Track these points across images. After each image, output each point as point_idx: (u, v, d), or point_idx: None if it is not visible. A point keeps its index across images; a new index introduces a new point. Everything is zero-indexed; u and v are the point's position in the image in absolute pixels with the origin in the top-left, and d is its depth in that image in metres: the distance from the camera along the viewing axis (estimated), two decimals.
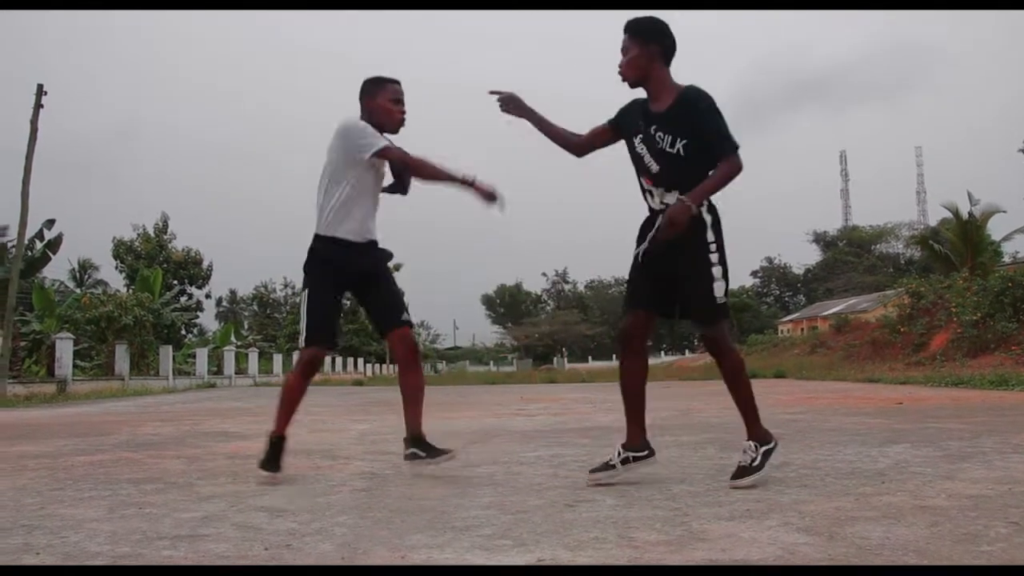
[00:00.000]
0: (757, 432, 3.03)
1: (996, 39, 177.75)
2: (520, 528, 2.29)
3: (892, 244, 76.51)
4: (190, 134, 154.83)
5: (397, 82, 3.45)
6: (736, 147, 2.96)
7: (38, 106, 15.01)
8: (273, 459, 3.35)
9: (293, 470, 3.72)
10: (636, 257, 3.16)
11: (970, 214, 24.37)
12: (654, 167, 3.06)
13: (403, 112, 3.43)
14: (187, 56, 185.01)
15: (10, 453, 4.71)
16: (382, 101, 3.39)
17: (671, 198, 3.02)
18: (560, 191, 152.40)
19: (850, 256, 72.91)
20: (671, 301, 3.13)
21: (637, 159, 3.13)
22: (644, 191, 3.17)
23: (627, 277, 3.24)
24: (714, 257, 2.99)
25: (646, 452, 3.11)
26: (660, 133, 3.03)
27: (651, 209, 3.14)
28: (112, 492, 3.12)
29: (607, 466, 3.09)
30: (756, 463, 2.95)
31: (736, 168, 2.95)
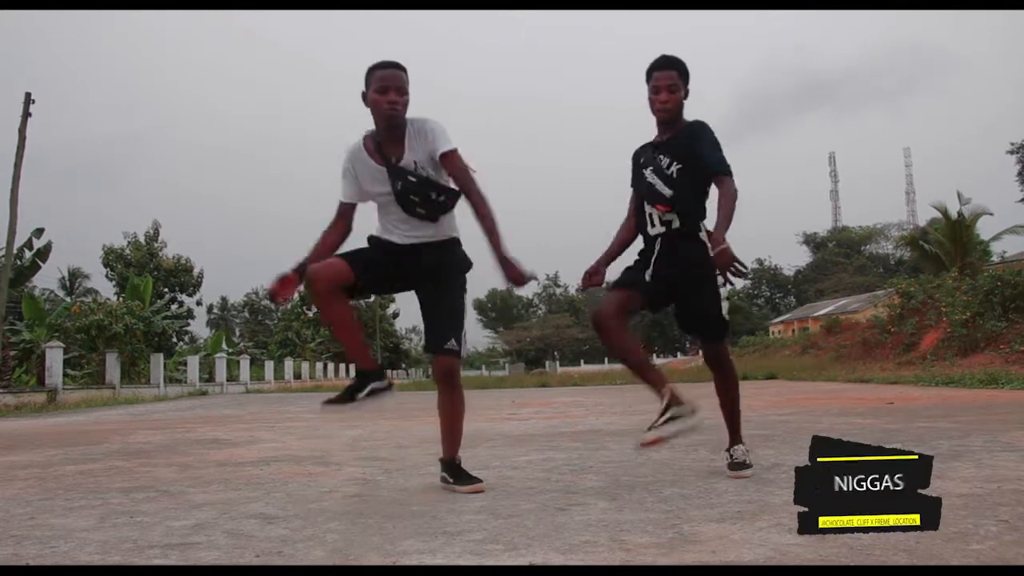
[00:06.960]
0: (738, 439, 3.29)
1: (989, 44, 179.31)
2: (512, 532, 2.29)
3: (882, 245, 76.87)
4: (180, 141, 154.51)
5: (385, 66, 2.96)
6: (731, 171, 3.09)
7: (26, 114, 14.96)
8: (345, 392, 3.24)
9: (284, 476, 3.71)
10: (640, 271, 3.24)
11: (959, 214, 24.45)
12: (667, 192, 3.19)
13: (389, 100, 2.91)
14: (178, 62, 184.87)
15: None
16: (370, 94, 2.95)
17: (675, 221, 3.19)
18: (550, 195, 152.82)
19: (840, 257, 73.16)
20: (664, 301, 3.29)
21: (648, 189, 3.25)
22: (648, 218, 3.26)
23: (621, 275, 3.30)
24: (720, 280, 3.17)
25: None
26: (662, 156, 3.21)
27: (648, 236, 3.27)
28: (103, 501, 3.10)
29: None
30: (749, 461, 3.24)
31: (735, 194, 3.07)
